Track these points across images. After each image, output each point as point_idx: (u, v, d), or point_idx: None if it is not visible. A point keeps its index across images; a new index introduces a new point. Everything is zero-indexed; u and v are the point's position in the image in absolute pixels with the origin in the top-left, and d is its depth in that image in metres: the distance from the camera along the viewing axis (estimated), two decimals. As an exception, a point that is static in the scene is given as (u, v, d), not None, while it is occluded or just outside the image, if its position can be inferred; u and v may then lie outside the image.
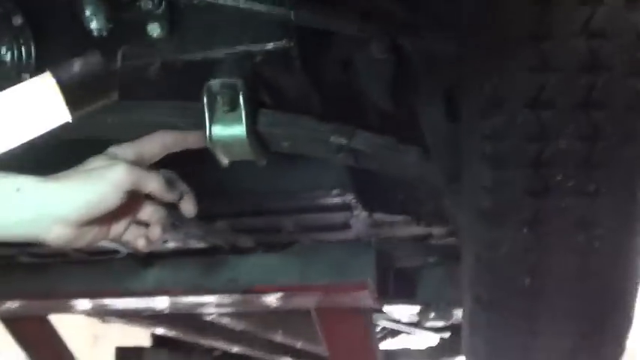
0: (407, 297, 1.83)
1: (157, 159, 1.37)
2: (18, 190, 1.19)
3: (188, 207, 1.42)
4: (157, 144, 1.37)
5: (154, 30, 1.36)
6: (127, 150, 1.33)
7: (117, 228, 1.36)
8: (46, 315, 2.42)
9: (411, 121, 1.42)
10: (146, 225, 1.40)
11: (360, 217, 1.73)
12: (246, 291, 1.77)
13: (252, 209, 1.73)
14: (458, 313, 1.84)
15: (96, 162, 1.29)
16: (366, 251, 1.73)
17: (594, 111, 0.92)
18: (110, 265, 1.87)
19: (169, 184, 1.37)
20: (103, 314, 2.28)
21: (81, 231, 1.27)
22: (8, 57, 1.39)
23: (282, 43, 1.31)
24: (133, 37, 1.37)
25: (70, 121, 1.12)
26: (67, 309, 1.98)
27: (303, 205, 1.68)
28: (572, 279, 1.00)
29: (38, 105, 1.07)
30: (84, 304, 1.93)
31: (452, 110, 1.30)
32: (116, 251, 1.96)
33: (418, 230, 1.77)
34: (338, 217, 1.73)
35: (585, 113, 0.92)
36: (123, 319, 2.38)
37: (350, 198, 1.64)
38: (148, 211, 1.38)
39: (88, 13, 1.20)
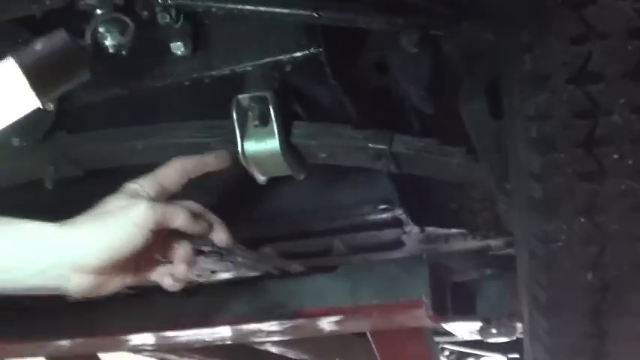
0: (466, 313, 1.73)
1: (178, 188, 1.27)
2: (33, 238, 1.13)
3: (220, 236, 1.31)
4: (176, 172, 1.27)
5: (178, 48, 1.31)
6: (145, 184, 1.24)
7: (143, 268, 1.27)
8: (96, 353, 2.36)
9: (451, 121, 1.34)
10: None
11: (411, 233, 1.64)
12: (295, 315, 1.69)
13: (298, 231, 1.66)
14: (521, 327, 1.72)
15: (114, 201, 1.20)
16: (419, 267, 1.63)
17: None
18: (154, 298, 1.81)
19: (196, 216, 1.27)
20: (154, 349, 2.21)
21: (104, 278, 1.19)
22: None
23: (310, 50, 1.25)
24: (157, 56, 1.33)
25: (40, 106, 1.03)
26: (115, 345, 1.93)
27: (352, 224, 1.59)
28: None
29: (3, 92, 0.97)
30: (132, 339, 1.87)
31: (495, 106, 1.22)
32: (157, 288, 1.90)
33: (475, 244, 1.68)
34: (389, 234, 1.64)
35: (639, 83, 0.83)
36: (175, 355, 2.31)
37: (399, 213, 1.55)
38: (174, 249, 1.28)
39: (101, 30, 1.15)
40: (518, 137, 0.90)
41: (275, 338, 1.85)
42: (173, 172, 1.26)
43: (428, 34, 1.12)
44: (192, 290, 1.76)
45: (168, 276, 1.28)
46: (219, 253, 1.75)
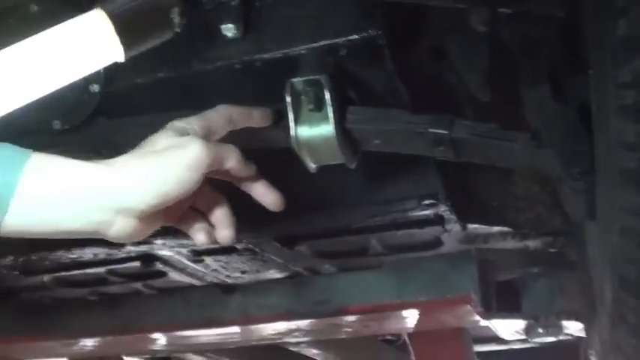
0: (512, 311, 1.69)
1: (223, 134, 1.21)
2: (80, 178, 1.05)
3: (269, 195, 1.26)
4: (224, 117, 1.21)
5: (229, 30, 1.28)
6: (193, 123, 1.17)
7: (173, 212, 1.19)
8: (122, 355, 2.30)
9: (506, 108, 1.31)
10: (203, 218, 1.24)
11: (452, 232, 1.60)
12: (338, 313, 1.64)
13: (336, 229, 1.61)
14: (568, 326, 1.68)
15: (162, 140, 1.13)
16: (468, 263, 1.60)
17: None
18: (188, 295, 1.76)
19: None
20: (183, 349, 2.14)
21: (147, 223, 1.12)
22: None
23: (368, 33, 1.22)
24: (207, 38, 1.29)
25: (122, 60, 0.98)
26: (145, 345, 1.87)
27: (393, 220, 1.55)
28: None
29: (88, 42, 0.92)
30: (163, 338, 1.81)
31: (558, 91, 1.19)
32: (192, 286, 1.86)
33: (513, 244, 1.64)
34: (429, 232, 1.61)
35: None
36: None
37: (443, 209, 1.51)
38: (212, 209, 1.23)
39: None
40: (607, 107, 0.87)
41: (316, 337, 1.81)
42: (220, 116, 1.21)
43: (497, 12, 1.09)
44: (225, 286, 1.71)
45: (203, 232, 1.22)
46: (253, 251, 1.72)
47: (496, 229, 1.63)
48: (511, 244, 1.64)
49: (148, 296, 1.84)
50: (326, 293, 1.69)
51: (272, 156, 1.30)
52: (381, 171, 1.51)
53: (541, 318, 1.69)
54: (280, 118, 1.28)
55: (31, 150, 1.03)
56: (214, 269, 1.82)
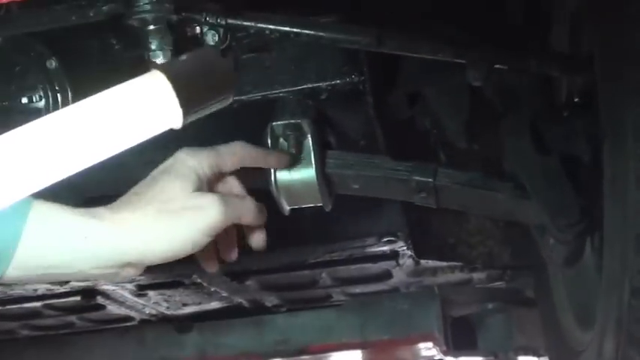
0: (468, 348, 1.72)
1: (232, 170, 1.16)
2: (85, 237, 1.01)
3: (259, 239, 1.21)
4: (236, 156, 1.16)
5: (206, 70, 1.25)
6: (204, 163, 1.11)
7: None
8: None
9: (486, 156, 1.34)
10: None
11: (404, 266, 1.62)
12: (299, 352, 1.63)
13: (291, 264, 1.61)
14: (524, 364, 1.73)
15: (178, 200, 1.06)
16: (431, 300, 1.62)
17: None
18: (140, 332, 1.71)
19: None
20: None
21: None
22: (42, 104, 1.25)
23: (351, 78, 1.22)
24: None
25: (180, 126, 0.94)
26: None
27: (349, 255, 1.56)
28: None
29: (147, 106, 0.85)
30: None
31: (540, 142, 1.23)
32: (129, 318, 1.81)
33: (461, 276, 1.68)
34: (380, 266, 1.62)
35: None
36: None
37: (399, 245, 1.53)
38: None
39: (153, 47, 1.07)
40: (628, 177, 0.90)
41: None
42: (233, 156, 1.15)
43: (493, 68, 1.11)
44: (180, 323, 1.67)
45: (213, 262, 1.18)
46: (200, 285, 1.68)
47: (446, 263, 1.66)
48: (458, 277, 1.68)
49: (102, 333, 1.78)
50: (287, 332, 1.67)
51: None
52: (341, 209, 1.52)
53: (500, 354, 1.73)
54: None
55: (32, 197, 0.98)
56: (155, 302, 1.77)
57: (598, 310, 1.05)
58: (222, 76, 0.97)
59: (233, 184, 1.16)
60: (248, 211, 1.13)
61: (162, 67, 0.89)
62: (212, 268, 1.18)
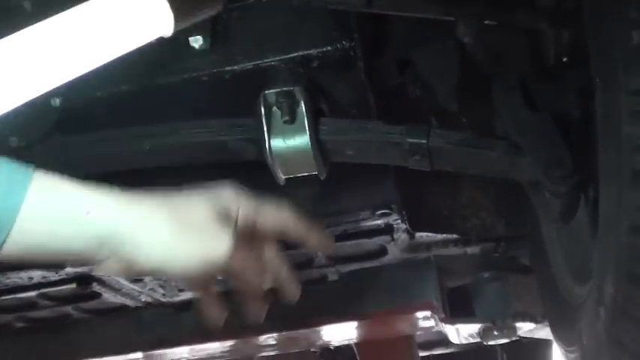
0: (466, 316, 1.73)
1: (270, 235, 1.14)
2: (87, 212, 0.99)
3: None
4: (280, 220, 1.14)
5: (196, 42, 1.26)
6: (242, 202, 1.09)
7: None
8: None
9: (477, 118, 1.35)
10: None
11: (399, 241, 1.63)
12: (300, 325, 1.63)
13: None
14: (522, 327, 1.74)
15: (200, 217, 1.04)
16: (428, 270, 1.62)
17: None
18: (139, 315, 1.70)
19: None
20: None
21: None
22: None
23: (342, 45, 1.23)
24: (173, 50, 1.26)
25: (171, 32, 0.90)
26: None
27: (344, 231, 1.56)
28: None
29: (138, 11, 0.85)
30: None
31: (530, 99, 1.24)
32: (125, 307, 1.80)
33: (455, 251, 1.69)
34: (377, 242, 1.62)
35: None
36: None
37: (394, 218, 1.54)
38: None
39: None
40: (620, 113, 0.91)
41: (273, 352, 1.78)
42: (277, 217, 1.14)
43: (483, 23, 1.12)
44: (177, 304, 1.67)
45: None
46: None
47: (440, 237, 1.67)
48: (453, 251, 1.68)
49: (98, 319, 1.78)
50: (285, 305, 1.66)
51: (225, 168, 1.28)
52: (334, 182, 1.52)
53: (497, 321, 1.74)
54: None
55: (33, 167, 0.97)
56: (151, 288, 1.77)
57: (595, 255, 1.06)
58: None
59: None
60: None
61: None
62: (216, 322, 1.16)
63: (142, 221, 1.01)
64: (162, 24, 0.89)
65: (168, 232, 1.02)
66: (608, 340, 1.04)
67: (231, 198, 1.09)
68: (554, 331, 1.40)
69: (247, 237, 1.10)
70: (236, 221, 1.08)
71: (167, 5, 0.87)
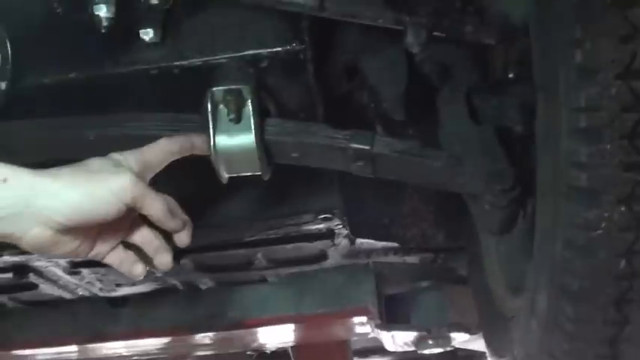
0: (402, 323, 1.74)
1: (161, 168, 1.22)
2: (4, 180, 1.04)
3: (184, 238, 1.26)
4: (163, 151, 1.21)
5: (147, 34, 1.25)
6: (130, 157, 1.18)
7: (102, 247, 1.19)
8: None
9: (421, 128, 1.37)
10: (137, 250, 1.25)
11: (339, 246, 1.63)
12: (234, 326, 1.62)
13: (226, 242, 1.60)
14: (457, 338, 1.76)
15: (97, 164, 1.14)
16: (366, 275, 1.63)
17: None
18: (75, 308, 1.68)
19: (171, 211, 1.21)
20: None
21: (62, 238, 1.11)
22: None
23: (292, 46, 1.23)
24: (123, 41, 1.26)
25: None
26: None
27: (285, 234, 1.56)
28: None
29: None
30: (52, 353, 1.71)
31: (474, 112, 1.26)
32: (61, 300, 1.78)
33: (395, 259, 1.70)
34: (317, 246, 1.63)
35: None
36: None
37: (335, 223, 1.54)
38: (145, 236, 1.22)
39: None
40: (561, 129, 0.93)
41: (205, 352, 1.77)
42: (160, 150, 1.21)
43: (432, 34, 1.14)
44: (115, 299, 1.65)
45: (137, 263, 1.22)
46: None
47: (380, 244, 1.68)
48: (393, 259, 1.70)
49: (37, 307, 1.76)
50: (222, 306, 1.67)
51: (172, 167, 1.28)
52: (278, 186, 1.52)
53: (433, 330, 1.75)
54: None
55: None
56: (88, 281, 1.75)
57: (530, 269, 1.08)
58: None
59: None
60: (155, 204, 1.16)
61: None
62: (138, 272, 1.23)
63: (51, 176, 1.08)
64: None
65: (73, 178, 1.09)
66: (539, 352, 1.05)
67: (115, 155, 1.17)
68: (487, 341, 1.42)
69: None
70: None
71: None
